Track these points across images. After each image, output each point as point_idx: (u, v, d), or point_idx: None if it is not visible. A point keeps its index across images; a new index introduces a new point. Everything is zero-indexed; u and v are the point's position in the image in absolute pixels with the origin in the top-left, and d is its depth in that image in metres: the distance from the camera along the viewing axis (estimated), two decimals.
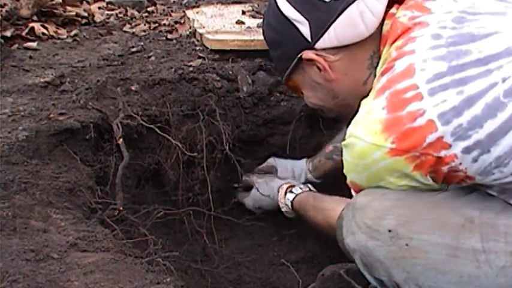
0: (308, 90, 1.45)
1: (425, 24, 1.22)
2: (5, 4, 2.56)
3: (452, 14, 1.22)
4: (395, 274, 1.20)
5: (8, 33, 2.40)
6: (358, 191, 1.29)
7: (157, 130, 1.83)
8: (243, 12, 2.58)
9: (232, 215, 1.96)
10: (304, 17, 1.31)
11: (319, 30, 1.31)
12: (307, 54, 1.34)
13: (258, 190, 1.90)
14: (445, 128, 1.11)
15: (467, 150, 1.12)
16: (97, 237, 1.36)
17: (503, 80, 1.12)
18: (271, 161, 1.99)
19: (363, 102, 1.23)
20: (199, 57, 2.19)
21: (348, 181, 1.30)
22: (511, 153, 1.11)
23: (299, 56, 1.35)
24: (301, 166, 1.96)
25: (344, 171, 1.28)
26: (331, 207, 1.51)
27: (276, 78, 2.09)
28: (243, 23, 2.39)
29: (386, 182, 1.22)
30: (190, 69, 2.07)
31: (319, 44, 1.32)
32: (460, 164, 1.13)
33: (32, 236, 1.31)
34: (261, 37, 2.29)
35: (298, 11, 1.32)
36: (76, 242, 1.31)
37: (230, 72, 2.07)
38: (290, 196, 1.77)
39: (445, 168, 1.15)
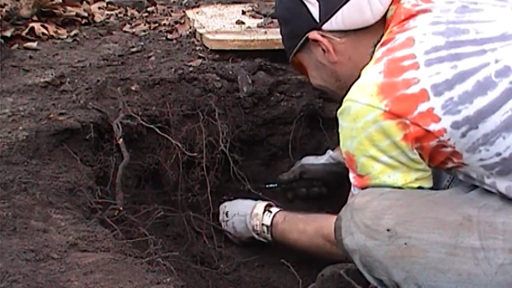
0: (313, 70, 1.47)
1: (428, 10, 1.27)
2: (5, 4, 2.56)
3: (455, 4, 1.26)
4: (394, 274, 1.20)
5: (8, 33, 2.40)
6: (354, 170, 1.28)
7: (157, 130, 1.83)
8: (243, 12, 2.58)
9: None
10: None
11: (328, 13, 1.34)
12: (314, 34, 1.37)
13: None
14: (436, 99, 1.14)
15: (456, 125, 1.14)
16: (97, 237, 1.36)
17: (496, 61, 1.15)
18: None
19: (364, 70, 1.26)
20: (199, 57, 2.19)
21: (343, 153, 1.30)
22: (498, 132, 1.14)
23: (306, 35, 1.38)
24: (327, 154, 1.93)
25: (340, 143, 1.29)
26: (324, 218, 1.55)
27: (276, 78, 2.09)
28: (243, 23, 2.39)
29: (378, 150, 1.22)
30: (190, 69, 2.07)
31: (326, 26, 1.35)
32: (449, 139, 1.16)
33: (32, 236, 1.31)
34: (261, 37, 2.30)
35: None
36: (76, 242, 1.31)
37: (230, 72, 2.07)
38: (270, 212, 1.74)
39: (433, 143, 1.17)
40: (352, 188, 1.32)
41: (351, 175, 1.31)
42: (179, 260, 1.62)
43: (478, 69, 1.14)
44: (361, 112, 1.20)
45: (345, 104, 1.24)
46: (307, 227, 1.61)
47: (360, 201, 1.24)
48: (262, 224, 1.74)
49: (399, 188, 1.25)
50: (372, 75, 1.21)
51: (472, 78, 1.14)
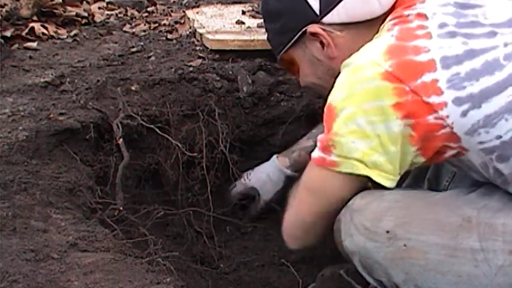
0: (306, 67, 1.40)
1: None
2: (5, 4, 2.57)
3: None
4: (394, 275, 1.21)
5: (8, 33, 2.40)
6: (328, 124, 1.23)
7: (157, 130, 1.83)
8: (243, 12, 2.58)
9: (232, 215, 1.96)
10: None
11: (329, 4, 1.29)
12: (313, 28, 1.30)
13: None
14: (443, 71, 1.13)
15: (458, 102, 1.13)
16: (97, 237, 1.36)
17: (505, 45, 1.16)
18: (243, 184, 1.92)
19: (375, 37, 1.24)
20: (199, 57, 2.20)
21: (326, 105, 1.24)
22: (501, 113, 1.13)
23: (304, 29, 1.32)
24: (273, 166, 1.87)
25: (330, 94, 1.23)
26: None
27: (276, 78, 2.09)
28: (243, 23, 2.39)
29: (360, 110, 1.16)
30: (190, 69, 2.07)
31: (327, 19, 1.29)
32: (447, 116, 1.13)
33: (32, 236, 1.31)
34: (261, 37, 2.30)
35: None
36: (76, 242, 1.31)
37: (230, 72, 2.07)
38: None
39: (430, 117, 1.14)
40: (313, 152, 1.26)
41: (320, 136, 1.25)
42: (179, 260, 1.62)
43: (488, 50, 1.15)
44: (363, 66, 1.17)
45: (351, 58, 1.21)
46: None
47: (359, 203, 1.24)
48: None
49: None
50: (383, 38, 1.20)
51: (482, 56, 1.14)
